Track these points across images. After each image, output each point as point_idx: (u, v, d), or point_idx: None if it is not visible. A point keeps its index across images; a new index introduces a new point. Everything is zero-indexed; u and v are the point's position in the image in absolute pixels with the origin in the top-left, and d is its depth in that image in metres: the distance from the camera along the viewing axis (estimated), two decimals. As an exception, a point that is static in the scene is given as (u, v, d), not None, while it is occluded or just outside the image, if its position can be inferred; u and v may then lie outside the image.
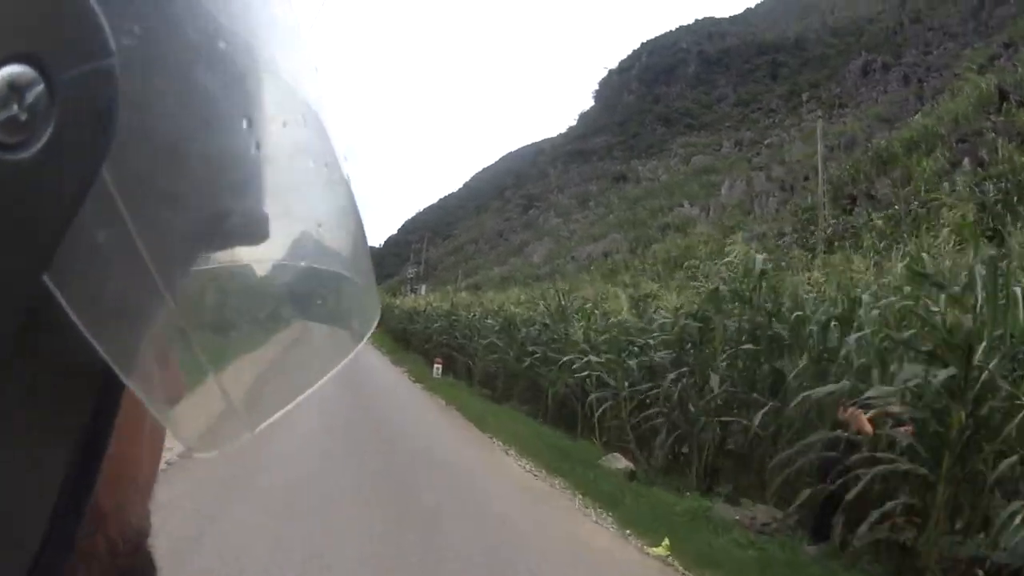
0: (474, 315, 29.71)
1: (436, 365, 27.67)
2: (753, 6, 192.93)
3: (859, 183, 40.76)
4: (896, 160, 38.66)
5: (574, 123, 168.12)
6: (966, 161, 31.94)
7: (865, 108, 79.27)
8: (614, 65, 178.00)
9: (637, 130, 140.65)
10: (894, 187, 35.27)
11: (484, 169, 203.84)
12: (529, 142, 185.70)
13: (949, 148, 34.53)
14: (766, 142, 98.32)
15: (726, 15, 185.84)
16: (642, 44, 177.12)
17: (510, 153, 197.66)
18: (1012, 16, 67.93)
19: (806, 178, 55.44)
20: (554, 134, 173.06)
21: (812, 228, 36.53)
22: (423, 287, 75.32)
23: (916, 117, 49.32)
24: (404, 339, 43.83)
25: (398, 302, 59.99)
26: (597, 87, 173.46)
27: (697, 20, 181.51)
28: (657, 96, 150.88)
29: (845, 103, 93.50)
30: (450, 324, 31.49)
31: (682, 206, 78.61)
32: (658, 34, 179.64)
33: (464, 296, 39.86)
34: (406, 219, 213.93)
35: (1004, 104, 34.30)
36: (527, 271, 75.04)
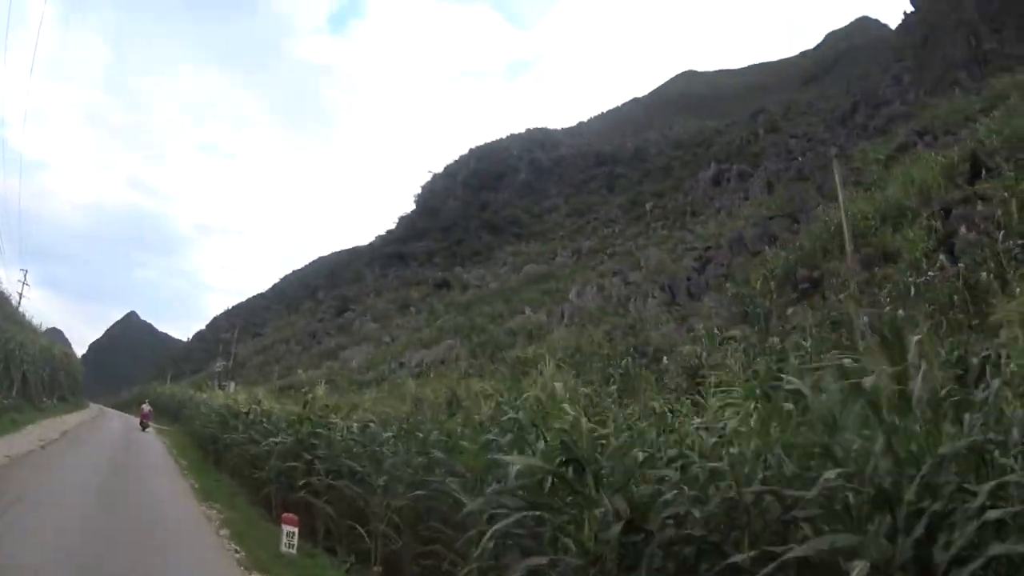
0: (365, 427, 15.03)
1: (287, 527, 13.18)
2: (587, 120, 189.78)
3: (814, 264, 30.86)
4: (868, 234, 31.33)
5: (393, 226, 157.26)
6: (963, 229, 26.66)
7: (736, 212, 72.90)
8: (439, 169, 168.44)
9: (461, 236, 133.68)
10: (869, 266, 29.00)
11: (295, 271, 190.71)
12: (343, 248, 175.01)
13: (934, 218, 29.09)
14: (608, 251, 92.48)
15: (559, 127, 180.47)
16: (470, 150, 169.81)
17: (322, 257, 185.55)
18: (903, 115, 67.63)
19: (688, 278, 51.43)
20: (372, 238, 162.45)
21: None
22: (232, 384, 66.38)
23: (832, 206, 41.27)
24: (215, 452, 28.70)
25: (205, 395, 47.28)
26: (420, 191, 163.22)
27: (529, 129, 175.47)
28: (484, 203, 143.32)
29: (698, 211, 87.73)
30: (303, 444, 16.17)
31: (523, 312, 71.55)
32: (488, 140, 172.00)
33: (321, 393, 22.60)
34: (216, 314, 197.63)
35: (983, 172, 30.94)
36: (346, 376, 66.84)
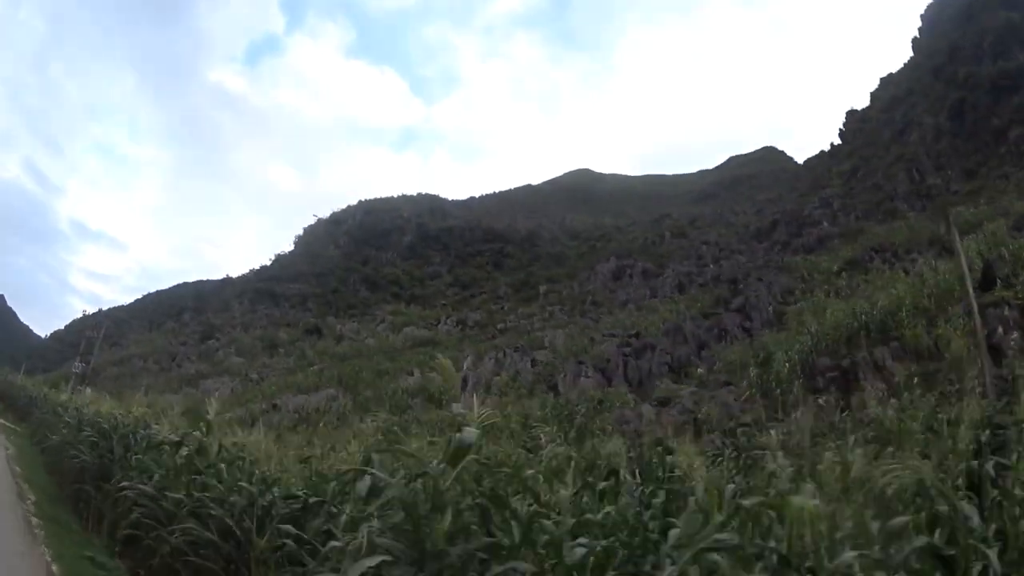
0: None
1: None
2: (478, 196, 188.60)
3: (839, 354, 28.51)
4: (900, 327, 29.45)
5: (268, 263, 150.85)
6: (1000, 329, 26.79)
7: (648, 306, 73.47)
8: (326, 215, 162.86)
9: (338, 286, 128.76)
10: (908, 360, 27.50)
11: (159, 291, 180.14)
12: (211, 278, 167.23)
13: (966, 318, 26.92)
14: (499, 326, 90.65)
15: (450, 197, 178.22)
16: (360, 202, 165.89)
17: (186, 283, 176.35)
18: (835, 235, 71.30)
19: (607, 360, 49.76)
20: (245, 271, 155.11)
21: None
22: (88, 390, 55.78)
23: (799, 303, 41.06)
24: (81, 493, 15.59)
25: (64, 398, 37.65)
26: (301, 233, 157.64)
27: (420, 193, 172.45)
28: (366, 257, 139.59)
29: (600, 301, 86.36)
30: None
31: (411, 374, 66.90)
32: (379, 196, 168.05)
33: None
34: (74, 318, 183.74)
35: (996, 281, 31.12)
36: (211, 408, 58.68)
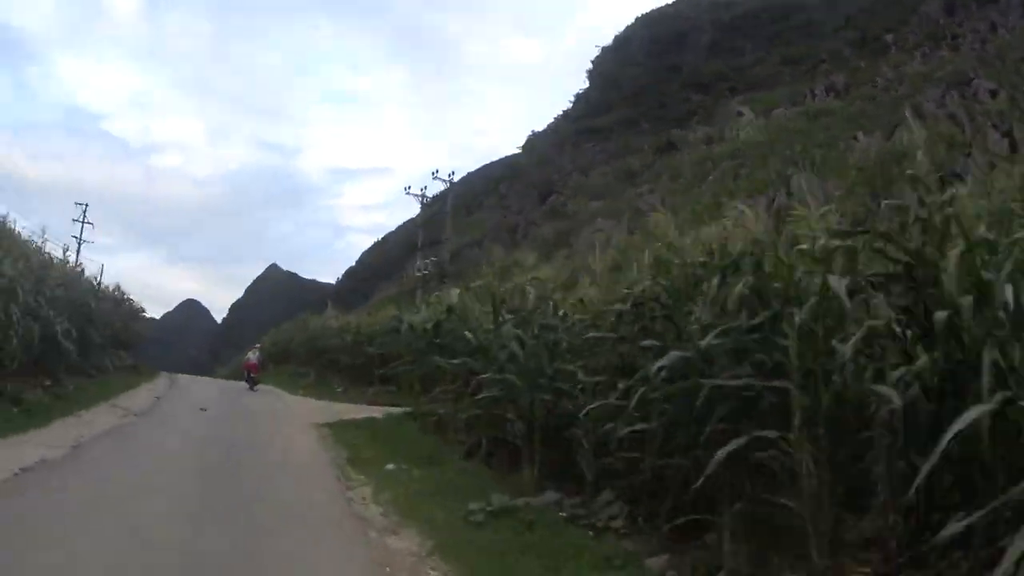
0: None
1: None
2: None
3: None
4: None
5: (569, 105, 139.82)
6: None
7: None
8: (608, 42, 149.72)
9: (663, 99, 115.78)
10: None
11: (469, 173, 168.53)
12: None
13: None
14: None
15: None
16: (637, 18, 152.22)
17: (471, 172, 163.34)
18: None
19: None
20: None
21: None
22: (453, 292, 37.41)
23: None
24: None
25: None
26: (591, 65, 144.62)
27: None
28: (673, 65, 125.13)
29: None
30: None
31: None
32: (655, 6, 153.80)
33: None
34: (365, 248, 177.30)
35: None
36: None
